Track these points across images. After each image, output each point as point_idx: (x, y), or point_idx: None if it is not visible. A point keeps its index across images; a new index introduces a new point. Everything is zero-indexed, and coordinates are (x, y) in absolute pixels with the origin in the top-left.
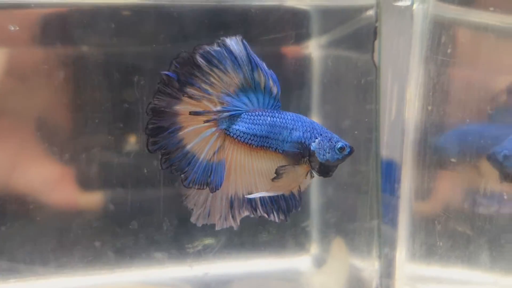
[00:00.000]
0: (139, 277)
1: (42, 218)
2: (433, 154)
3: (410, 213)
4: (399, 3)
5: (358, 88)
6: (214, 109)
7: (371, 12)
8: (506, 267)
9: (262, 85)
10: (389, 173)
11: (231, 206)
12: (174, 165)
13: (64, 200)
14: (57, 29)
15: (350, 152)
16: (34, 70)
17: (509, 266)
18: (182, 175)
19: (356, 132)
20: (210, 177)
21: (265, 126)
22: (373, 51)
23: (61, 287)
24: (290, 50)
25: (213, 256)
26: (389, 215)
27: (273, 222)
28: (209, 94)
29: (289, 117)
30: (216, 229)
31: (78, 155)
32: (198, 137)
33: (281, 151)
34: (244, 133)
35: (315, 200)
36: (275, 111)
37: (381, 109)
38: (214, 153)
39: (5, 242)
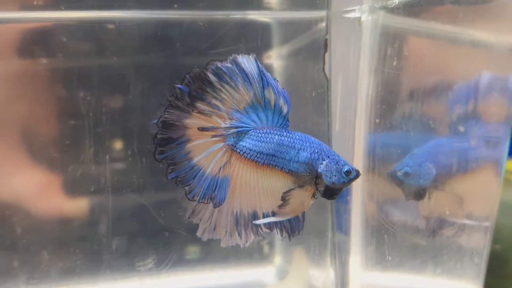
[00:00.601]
0: None
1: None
2: (381, 166)
3: (363, 223)
4: (348, 15)
5: (314, 100)
6: (223, 125)
7: (324, 24)
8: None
9: (273, 103)
10: None
11: (237, 222)
12: (179, 177)
13: (49, 208)
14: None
15: (356, 176)
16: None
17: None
18: (186, 188)
19: None
20: (214, 192)
21: (272, 145)
22: (324, 63)
23: None
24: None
25: (168, 270)
26: (342, 225)
27: None
28: (219, 109)
29: (297, 137)
30: (222, 245)
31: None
32: (205, 151)
33: (287, 171)
34: (250, 150)
35: None
36: (283, 130)
37: (332, 121)
38: (220, 168)
39: None
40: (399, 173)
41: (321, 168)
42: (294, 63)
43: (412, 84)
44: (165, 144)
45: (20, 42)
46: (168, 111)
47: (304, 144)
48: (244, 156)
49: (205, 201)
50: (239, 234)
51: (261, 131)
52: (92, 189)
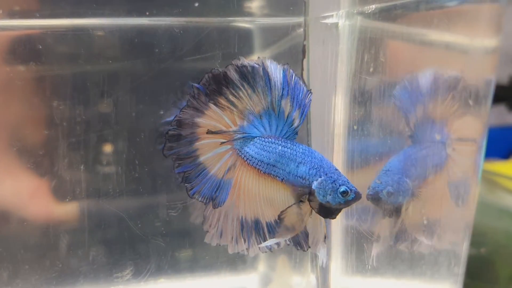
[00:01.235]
0: None
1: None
2: (360, 174)
3: (343, 228)
4: (326, 21)
5: None
6: (230, 130)
7: (302, 30)
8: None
9: (286, 113)
10: None
11: (242, 228)
12: (187, 172)
13: (39, 213)
14: None
15: (355, 198)
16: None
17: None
18: (188, 185)
19: None
20: (216, 193)
21: (274, 155)
22: (302, 70)
23: None
24: None
25: (147, 281)
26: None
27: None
28: (234, 106)
29: (300, 150)
30: (230, 252)
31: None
32: (212, 151)
33: (286, 183)
34: (252, 157)
35: None
36: (288, 142)
37: (312, 127)
38: (225, 170)
39: None
40: (382, 194)
41: (315, 184)
42: None
43: (388, 89)
44: (174, 140)
45: None
46: (184, 111)
47: (305, 158)
48: (247, 162)
49: (205, 201)
50: (245, 241)
51: (266, 139)
52: (67, 199)
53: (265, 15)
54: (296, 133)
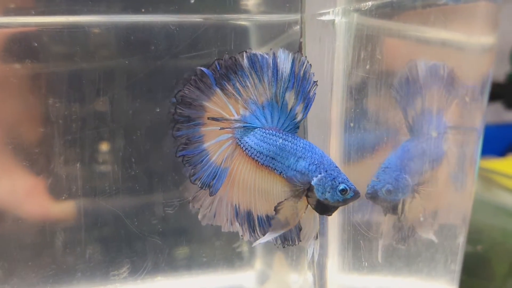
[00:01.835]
0: None
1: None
2: (356, 171)
3: (340, 225)
4: (322, 18)
5: None
6: (232, 118)
7: (298, 27)
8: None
9: (289, 107)
10: None
11: (236, 215)
12: (188, 157)
13: (35, 211)
14: None
15: (354, 197)
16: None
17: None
18: (191, 170)
19: None
20: (213, 181)
21: (274, 147)
22: None
23: None
24: None
25: (144, 279)
26: (320, 227)
27: (220, 236)
28: (239, 94)
29: (301, 144)
30: (223, 230)
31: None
32: (215, 138)
33: (285, 177)
34: (252, 148)
35: None
36: (289, 135)
37: (308, 125)
38: (223, 158)
39: None
40: (381, 192)
41: (314, 181)
42: None
43: (385, 86)
44: (182, 122)
45: None
46: (188, 88)
47: (305, 153)
48: (246, 153)
49: (204, 188)
50: (240, 225)
51: (267, 131)
52: (63, 197)
53: (261, 12)
54: (298, 127)
